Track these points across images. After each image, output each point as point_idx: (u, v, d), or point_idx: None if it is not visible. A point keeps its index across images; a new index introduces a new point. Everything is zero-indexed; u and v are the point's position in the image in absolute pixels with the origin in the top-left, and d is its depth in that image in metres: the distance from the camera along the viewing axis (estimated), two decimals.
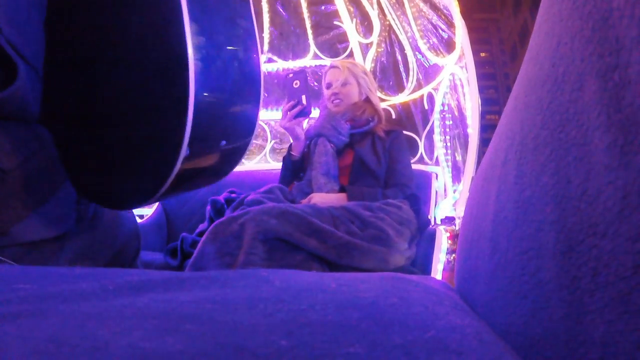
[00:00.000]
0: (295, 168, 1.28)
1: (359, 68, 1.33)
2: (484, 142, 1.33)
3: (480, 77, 1.45)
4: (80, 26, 0.61)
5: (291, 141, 1.29)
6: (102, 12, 0.59)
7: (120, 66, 0.58)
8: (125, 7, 0.56)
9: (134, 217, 0.86)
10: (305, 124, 1.54)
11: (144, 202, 0.62)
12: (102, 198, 0.66)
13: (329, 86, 1.31)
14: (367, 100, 1.31)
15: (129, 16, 0.56)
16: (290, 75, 1.21)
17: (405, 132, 1.75)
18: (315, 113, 1.67)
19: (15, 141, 0.55)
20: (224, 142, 0.62)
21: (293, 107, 1.18)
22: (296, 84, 1.18)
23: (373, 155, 1.19)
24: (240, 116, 0.64)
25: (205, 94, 0.55)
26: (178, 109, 0.53)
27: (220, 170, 0.70)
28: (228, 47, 0.60)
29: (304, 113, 1.19)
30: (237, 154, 0.69)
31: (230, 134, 0.63)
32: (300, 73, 1.21)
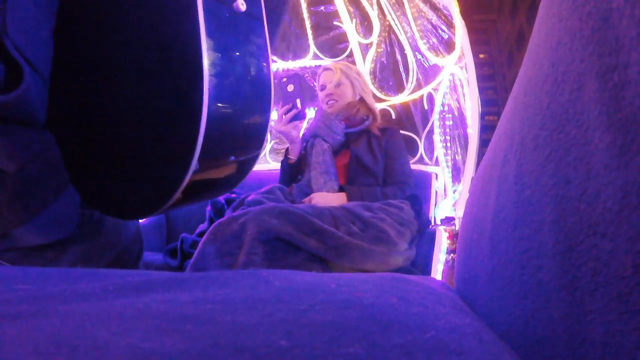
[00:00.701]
0: (293, 171, 1.29)
1: (352, 69, 1.34)
2: (483, 143, 1.33)
3: (479, 78, 1.46)
4: (93, 38, 0.61)
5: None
6: (118, 24, 0.59)
7: (135, 79, 0.58)
8: (142, 22, 0.56)
9: (137, 220, 0.86)
10: (306, 124, 1.55)
11: (149, 213, 0.62)
12: (107, 207, 0.65)
13: (322, 88, 1.33)
14: (361, 100, 1.32)
15: (146, 31, 0.56)
16: (284, 79, 1.22)
17: (405, 132, 1.75)
18: (313, 114, 1.68)
19: (18, 143, 0.55)
20: (232, 158, 0.62)
21: (288, 111, 1.19)
22: (290, 87, 1.20)
23: (369, 153, 1.19)
24: (250, 131, 0.65)
25: (218, 109, 0.55)
26: (190, 124, 0.53)
27: (228, 183, 0.70)
28: (241, 64, 0.60)
29: (299, 116, 1.21)
30: (244, 168, 0.69)
31: (239, 149, 0.64)
32: (294, 77, 1.23)
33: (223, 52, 0.56)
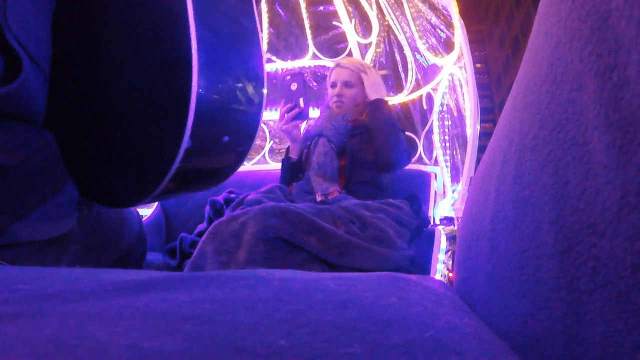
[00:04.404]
0: (293, 170, 1.28)
1: (369, 72, 1.28)
2: (479, 149, 1.33)
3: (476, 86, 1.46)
4: (85, 23, 0.61)
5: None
6: (107, 10, 0.60)
7: (124, 61, 0.59)
8: (131, 8, 0.58)
9: (140, 220, 0.85)
10: (305, 124, 1.54)
11: (142, 198, 0.62)
12: (102, 195, 0.65)
13: (333, 85, 1.29)
14: None
15: (134, 12, 0.57)
16: (288, 77, 1.19)
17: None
18: (316, 113, 1.67)
19: (17, 139, 0.55)
20: (226, 138, 0.62)
21: (290, 109, 1.17)
22: (294, 86, 1.17)
23: (365, 145, 1.19)
24: (243, 114, 0.65)
25: (208, 88, 0.56)
26: (180, 101, 0.54)
27: (221, 172, 0.70)
28: (231, 45, 0.61)
29: (302, 116, 1.18)
30: (238, 155, 0.69)
31: (233, 130, 0.64)
32: (298, 75, 1.20)
33: (212, 32, 0.57)
